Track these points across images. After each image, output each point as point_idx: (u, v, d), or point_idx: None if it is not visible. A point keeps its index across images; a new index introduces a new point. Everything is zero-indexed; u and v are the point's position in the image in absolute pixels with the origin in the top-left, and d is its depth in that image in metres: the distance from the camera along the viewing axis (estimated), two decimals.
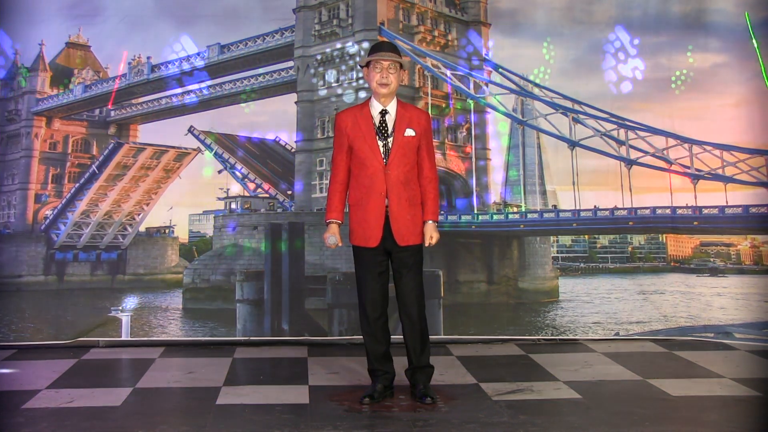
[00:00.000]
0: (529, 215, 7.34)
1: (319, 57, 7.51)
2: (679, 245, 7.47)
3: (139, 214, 7.70)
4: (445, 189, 7.46)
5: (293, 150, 7.62)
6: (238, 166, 7.75)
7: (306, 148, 7.59)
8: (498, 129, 7.44)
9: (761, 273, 6.77)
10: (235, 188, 7.74)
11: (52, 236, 7.32)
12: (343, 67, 7.46)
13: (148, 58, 7.50)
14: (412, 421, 3.56)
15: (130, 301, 6.40)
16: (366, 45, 7.22)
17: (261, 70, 7.47)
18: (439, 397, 3.90)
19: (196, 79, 7.21)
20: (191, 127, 7.33)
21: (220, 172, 7.67)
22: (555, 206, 7.31)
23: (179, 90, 7.53)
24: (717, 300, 6.56)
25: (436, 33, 7.63)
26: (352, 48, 7.36)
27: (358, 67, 4.06)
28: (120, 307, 6.12)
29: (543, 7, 6.50)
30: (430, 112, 7.31)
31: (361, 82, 7.33)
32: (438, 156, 7.05)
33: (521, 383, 4.29)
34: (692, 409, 3.81)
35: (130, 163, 7.58)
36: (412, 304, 3.86)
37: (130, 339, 5.83)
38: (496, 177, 7.39)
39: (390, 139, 3.80)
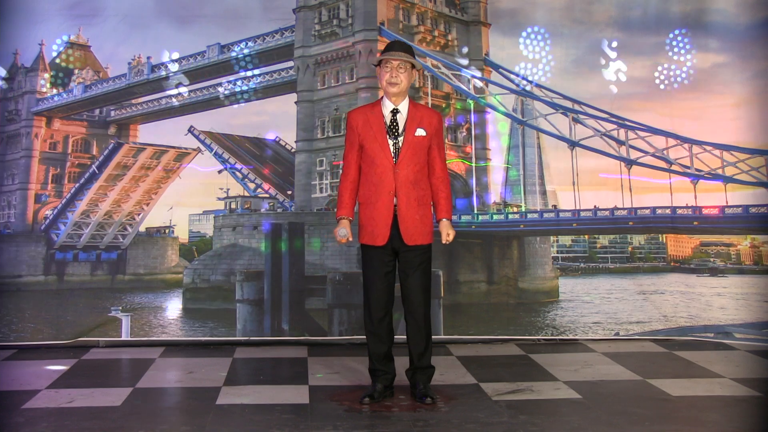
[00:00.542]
0: (529, 215, 7.34)
1: (319, 57, 7.51)
2: (679, 245, 7.48)
3: (139, 214, 7.70)
4: None
5: (293, 150, 7.62)
6: (238, 166, 7.75)
7: (306, 148, 7.59)
8: (498, 129, 7.44)
9: (761, 273, 6.77)
10: (235, 188, 7.74)
11: (52, 236, 7.33)
12: (343, 67, 7.46)
13: (148, 58, 7.51)
14: (412, 421, 3.56)
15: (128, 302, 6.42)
16: (363, 45, 7.23)
17: (261, 70, 7.47)
18: (439, 397, 3.90)
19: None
20: (191, 127, 7.33)
21: (220, 172, 7.67)
22: (555, 206, 7.31)
23: (179, 90, 7.53)
24: (717, 300, 6.56)
25: (436, 33, 7.63)
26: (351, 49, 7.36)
27: (373, 65, 4.04)
28: (120, 307, 6.13)
29: (543, 7, 6.50)
30: None
31: (360, 82, 7.33)
32: None
33: (521, 383, 4.29)
34: (692, 409, 3.81)
35: (130, 163, 7.58)
36: (418, 305, 3.86)
37: (130, 339, 5.83)
38: (496, 177, 7.40)
39: (400, 139, 3.79)
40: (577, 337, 5.86)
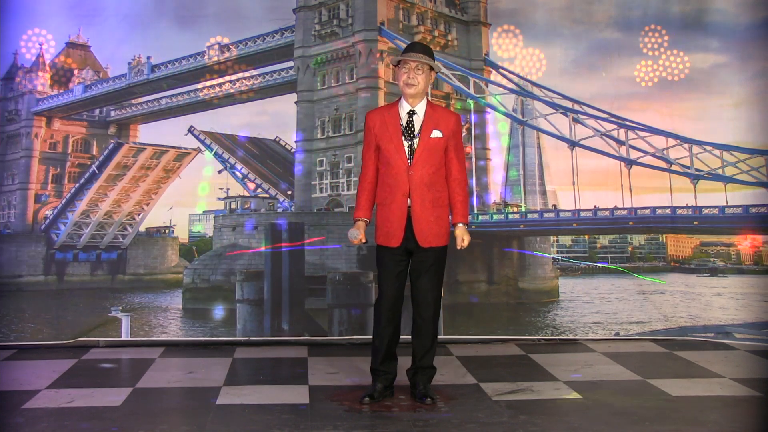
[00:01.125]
0: (529, 215, 7.35)
1: (319, 57, 7.51)
2: (679, 245, 7.47)
3: (139, 214, 7.70)
4: None
5: (293, 150, 7.62)
6: (238, 166, 7.75)
7: (306, 148, 7.59)
8: (498, 129, 7.44)
9: (761, 273, 6.76)
10: (235, 188, 7.74)
11: (52, 236, 7.33)
12: (343, 67, 7.46)
13: (148, 58, 7.51)
14: (412, 421, 3.56)
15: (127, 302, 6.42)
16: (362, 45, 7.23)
17: (261, 70, 7.47)
18: (439, 397, 3.90)
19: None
20: (191, 127, 7.33)
21: (220, 172, 7.67)
22: (555, 206, 7.31)
23: (179, 90, 7.54)
24: (717, 300, 6.56)
25: (436, 33, 7.63)
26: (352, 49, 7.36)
27: (392, 66, 4.03)
28: (120, 307, 6.14)
29: (543, 7, 6.50)
30: None
31: (360, 82, 7.33)
32: None
33: (521, 383, 4.29)
34: (692, 409, 3.81)
35: (130, 163, 7.58)
36: (427, 306, 3.86)
37: (130, 339, 5.83)
38: (496, 177, 7.40)
39: (416, 140, 3.79)
40: (577, 337, 5.86)
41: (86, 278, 7.28)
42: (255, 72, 7.45)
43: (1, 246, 6.80)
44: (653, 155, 6.77)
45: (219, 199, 7.50)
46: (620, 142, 6.89)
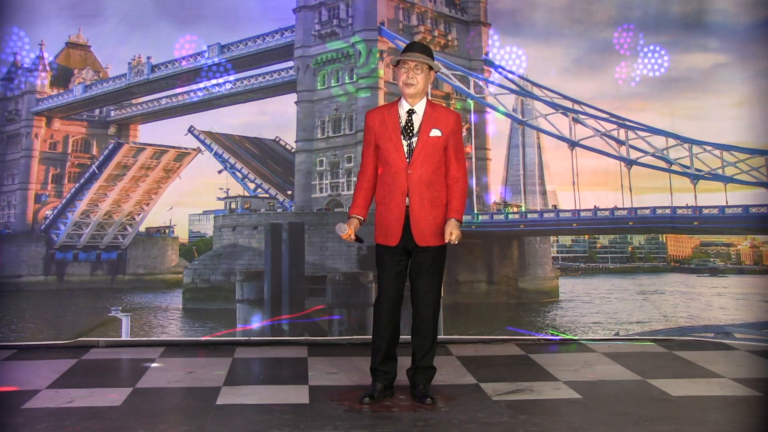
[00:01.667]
0: (529, 215, 7.34)
1: (319, 57, 7.51)
2: (679, 245, 7.47)
3: (139, 214, 7.70)
4: None
5: (293, 150, 7.62)
6: (238, 166, 7.75)
7: (306, 148, 7.59)
8: (498, 129, 7.44)
9: (761, 273, 6.76)
10: (235, 188, 7.74)
11: (52, 236, 7.33)
12: (344, 67, 7.46)
13: (148, 58, 7.51)
14: (412, 421, 3.56)
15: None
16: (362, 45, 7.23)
17: (261, 70, 7.46)
18: (439, 397, 3.90)
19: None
20: (191, 127, 7.33)
21: (220, 172, 7.67)
22: (555, 206, 7.31)
23: (179, 90, 7.53)
24: (717, 300, 6.56)
25: (436, 33, 7.63)
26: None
27: (392, 66, 4.04)
28: (120, 307, 6.14)
29: (543, 7, 6.50)
30: None
31: (360, 82, 7.33)
32: None
33: (521, 383, 4.29)
34: (692, 409, 3.81)
35: (130, 163, 7.58)
36: (426, 306, 3.86)
37: (130, 339, 5.83)
38: (496, 177, 7.39)
39: (414, 139, 3.79)
40: (577, 337, 5.86)
41: (86, 278, 7.28)
42: (255, 72, 7.45)
43: (1, 246, 6.80)
44: (653, 155, 6.77)
45: (219, 199, 7.50)
46: (620, 142, 6.89)
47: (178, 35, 6.73)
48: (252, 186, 7.80)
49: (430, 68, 3.80)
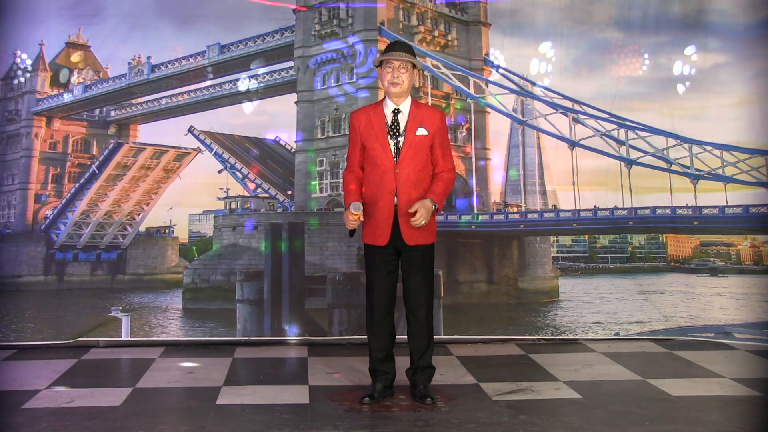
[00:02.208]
0: (529, 215, 7.34)
1: (319, 57, 7.50)
2: (679, 245, 7.47)
3: (139, 214, 7.70)
4: None
5: (293, 150, 7.61)
6: (238, 166, 7.75)
7: (306, 148, 7.59)
8: (498, 129, 7.44)
9: (761, 273, 6.76)
10: (235, 188, 7.74)
11: (52, 236, 7.32)
12: (344, 67, 7.46)
13: (148, 58, 7.50)
14: (412, 421, 3.56)
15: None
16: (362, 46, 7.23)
17: (261, 70, 7.46)
18: (439, 397, 3.90)
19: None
20: (191, 127, 7.33)
21: (220, 172, 7.66)
22: (555, 206, 7.31)
23: (179, 90, 7.53)
24: (717, 300, 6.56)
25: (436, 33, 7.63)
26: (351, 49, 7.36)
27: (373, 66, 4.04)
28: (120, 307, 6.14)
29: (543, 7, 6.50)
30: None
31: (360, 82, 7.33)
32: None
33: (521, 383, 4.29)
34: (692, 409, 3.81)
35: (130, 163, 7.58)
36: (419, 305, 3.86)
37: (130, 339, 5.83)
38: (496, 177, 7.39)
39: (401, 139, 3.79)
40: (577, 337, 5.86)
41: (86, 278, 7.28)
42: (255, 72, 7.45)
43: (1, 246, 6.80)
44: (653, 155, 6.77)
45: (219, 199, 7.49)
46: (620, 142, 6.89)
47: (178, 35, 6.73)
48: (252, 186, 7.80)
49: (414, 66, 3.81)
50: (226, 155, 7.70)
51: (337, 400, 3.93)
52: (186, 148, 7.42)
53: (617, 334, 6.11)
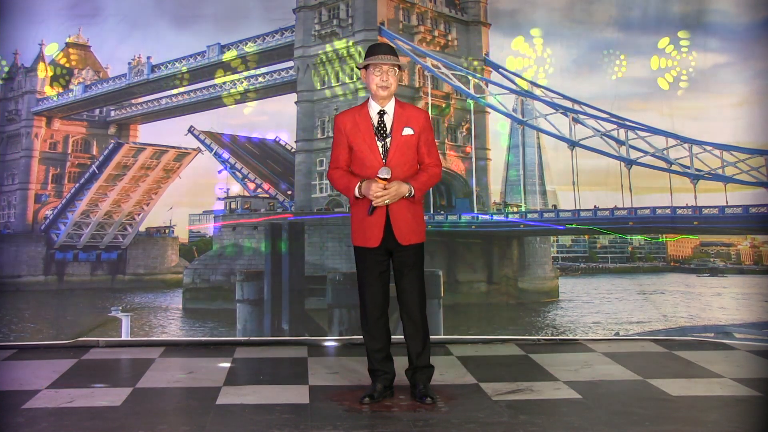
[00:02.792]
0: (529, 215, 7.34)
1: (319, 57, 7.50)
2: (679, 245, 7.47)
3: (139, 214, 7.70)
4: (445, 189, 7.46)
5: (293, 150, 7.62)
6: (238, 166, 7.75)
7: (306, 148, 7.59)
8: (498, 129, 7.44)
9: (761, 273, 6.76)
10: (235, 188, 7.74)
11: (52, 236, 7.33)
12: (343, 67, 7.46)
13: (148, 58, 7.50)
14: (412, 421, 3.56)
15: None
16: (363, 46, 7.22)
17: (261, 70, 7.46)
18: (439, 397, 3.90)
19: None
20: (191, 127, 7.33)
21: (220, 172, 7.66)
22: (555, 206, 7.31)
23: (179, 90, 7.53)
24: (717, 300, 6.55)
25: (436, 33, 7.63)
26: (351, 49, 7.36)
27: (357, 68, 4.07)
28: (120, 307, 6.14)
29: (543, 7, 6.50)
30: (430, 112, 7.31)
31: (360, 82, 7.33)
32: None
33: (521, 383, 4.29)
34: (692, 409, 3.81)
35: (130, 163, 7.58)
36: (413, 304, 3.86)
37: (130, 339, 5.83)
38: (496, 177, 7.39)
39: (388, 140, 3.82)
40: (577, 337, 5.86)
41: (86, 278, 7.28)
42: (255, 72, 7.45)
43: (1, 246, 6.80)
44: (653, 155, 6.77)
45: (219, 199, 7.49)
46: (620, 142, 6.89)
47: (178, 35, 6.73)
48: (252, 186, 7.80)
49: (399, 68, 3.86)
50: (226, 155, 7.70)
51: (337, 400, 3.93)
52: (186, 148, 7.43)
53: (617, 334, 6.11)
